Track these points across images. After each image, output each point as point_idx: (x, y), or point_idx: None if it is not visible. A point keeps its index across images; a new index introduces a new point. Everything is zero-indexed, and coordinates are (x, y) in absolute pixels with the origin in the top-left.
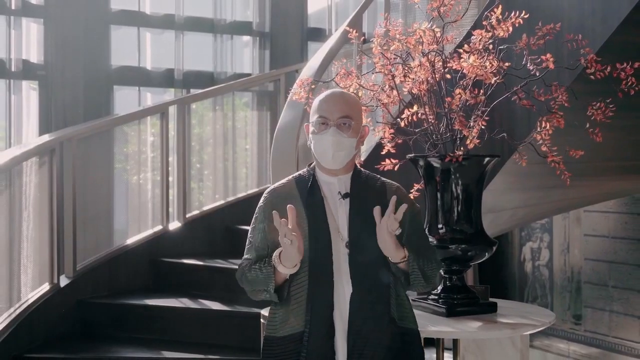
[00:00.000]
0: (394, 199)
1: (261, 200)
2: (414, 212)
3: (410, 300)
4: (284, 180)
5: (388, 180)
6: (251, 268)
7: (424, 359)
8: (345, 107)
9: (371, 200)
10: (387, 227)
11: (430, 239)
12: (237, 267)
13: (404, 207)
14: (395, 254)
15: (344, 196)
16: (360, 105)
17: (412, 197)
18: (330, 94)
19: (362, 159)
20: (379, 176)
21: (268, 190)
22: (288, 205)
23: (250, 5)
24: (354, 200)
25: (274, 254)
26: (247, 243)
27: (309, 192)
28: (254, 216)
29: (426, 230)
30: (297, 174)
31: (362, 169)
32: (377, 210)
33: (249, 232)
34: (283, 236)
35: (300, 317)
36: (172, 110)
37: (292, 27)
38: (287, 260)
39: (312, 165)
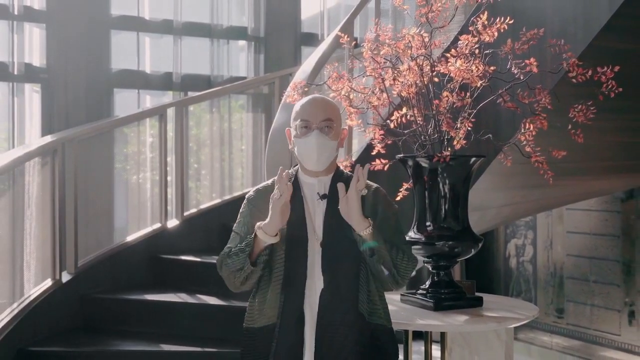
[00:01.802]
0: (359, 168)
1: (246, 198)
2: (388, 213)
3: (386, 298)
4: (269, 181)
5: (368, 182)
6: (231, 252)
7: (396, 354)
8: (327, 110)
9: None
10: (355, 187)
11: (419, 236)
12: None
13: (366, 167)
14: (359, 221)
15: (322, 197)
16: (339, 110)
17: (390, 198)
18: (311, 99)
19: (354, 159)
20: None
21: (254, 189)
22: (285, 172)
23: (246, 11)
24: (331, 201)
25: (257, 224)
26: (231, 235)
27: None
28: (240, 212)
29: (414, 227)
30: None
31: (344, 170)
32: (340, 185)
33: (234, 226)
34: (276, 189)
35: (274, 310)
36: (171, 112)
37: (286, 32)
38: (270, 222)
39: (295, 167)
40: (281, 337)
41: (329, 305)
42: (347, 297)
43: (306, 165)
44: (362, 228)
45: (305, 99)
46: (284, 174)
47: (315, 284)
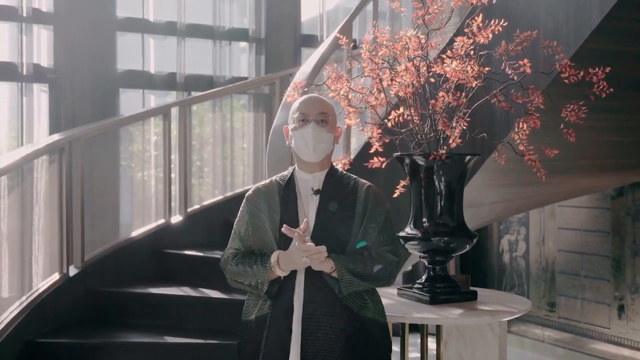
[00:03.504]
0: (305, 223)
1: (245, 198)
2: (376, 211)
3: (380, 293)
4: (267, 180)
5: (362, 180)
6: (237, 260)
7: (387, 347)
8: (322, 106)
9: (341, 197)
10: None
11: (415, 232)
12: None
13: (304, 224)
14: (323, 267)
15: (316, 192)
16: (333, 108)
17: (382, 197)
18: (308, 96)
19: (352, 157)
20: (354, 176)
21: (253, 188)
22: (305, 219)
23: (247, 13)
24: (324, 196)
25: (272, 256)
26: (232, 233)
27: (284, 188)
28: (240, 210)
29: (411, 224)
30: (281, 174)
31: (338, 168)
32: (285, 228)
33: (235, 224)
34: (303, 250)
35: (267, 301)
36: (174, 111)
37: (286, 33)
38: (288, 264)
39: (293, 166)
40: (271, 326)
41: (314, 296)
42: (332, 289)
43: (302, 156)
44: (328, 269)
45: (302, 97)
46: (305, 226)
47: (304, 276)
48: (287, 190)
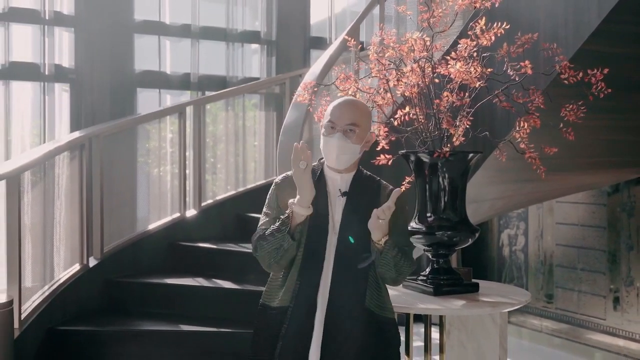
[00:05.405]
0: (396, 193)
1: (274, 183)
2: (398, 214)
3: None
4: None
5: (384, 182)
6: (265, 234)
7: (399, 344)
8: (353, 115)
9: (366, 200)
10: (380, 212)
11: (420, 226)
12: (247, 250)
13: (397, 191)
14: (376, 232)
15: (343, 194)
16: (370, 114)
17: (404, 201)
18: (342, 102)
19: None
20: (378, 178)
21: (281, 176)
22: (302, 144)
23: (259, 16)
24: (350, 198)
25: (289, 201)
26: (262, 216)
27: (316, 183)
28: (268, 196)
29: (416, 218)
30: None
31: (364, 170)
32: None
33: (264, 208)
34: (298, 160)
35: (289, 293)
36: (189, 110)
37: (296, 36)
38: (302, 195)
39: (322, 160)
40: (292, 321)
41: (337, 297)
42: (355, 292)
43: (327, 162)
44: (377, 238)
45: (338, 100)
46: (300, 146)
47: (329, 275)
48: (318, 186)
